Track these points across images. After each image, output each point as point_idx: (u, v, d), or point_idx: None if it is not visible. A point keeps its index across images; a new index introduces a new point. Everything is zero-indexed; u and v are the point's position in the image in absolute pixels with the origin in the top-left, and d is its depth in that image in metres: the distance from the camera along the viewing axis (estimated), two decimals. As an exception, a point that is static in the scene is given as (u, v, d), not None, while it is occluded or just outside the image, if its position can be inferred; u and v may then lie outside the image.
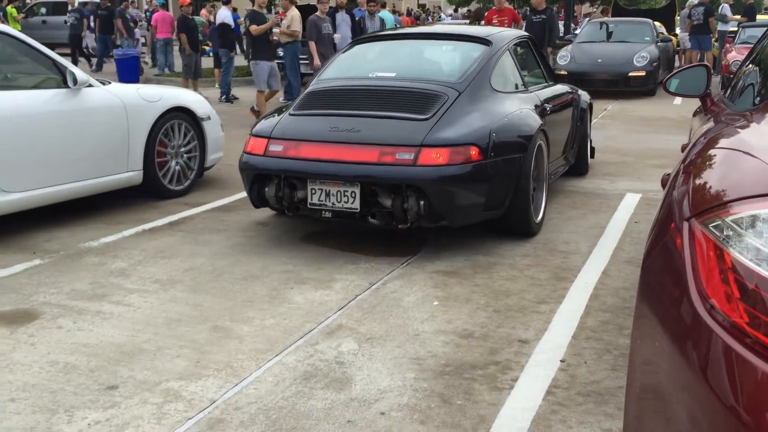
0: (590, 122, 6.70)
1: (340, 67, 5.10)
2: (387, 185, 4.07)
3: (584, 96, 6.52)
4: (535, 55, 5.84)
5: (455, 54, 5.20)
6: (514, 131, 4.44)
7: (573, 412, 2.59)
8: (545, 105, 5.09)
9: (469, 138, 4.12)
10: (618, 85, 12.71)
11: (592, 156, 6.84)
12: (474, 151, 4.08)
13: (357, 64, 5.20)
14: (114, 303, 3.51)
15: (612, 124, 9.77)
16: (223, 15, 12.14)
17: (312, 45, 10.41)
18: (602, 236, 4.71)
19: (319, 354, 3.01)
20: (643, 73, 12.65)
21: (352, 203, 4.09)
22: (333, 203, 4.12)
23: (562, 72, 12.82)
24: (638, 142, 8.42)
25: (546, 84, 5.72)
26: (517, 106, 4.64)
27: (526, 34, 5.96)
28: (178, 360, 2.94)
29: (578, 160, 6.36)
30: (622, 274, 4.01)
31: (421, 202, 4.02)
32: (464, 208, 4.16)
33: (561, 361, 2.98)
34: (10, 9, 18.05)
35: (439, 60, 5.26)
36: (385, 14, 14.48)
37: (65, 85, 4.86)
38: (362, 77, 4.80)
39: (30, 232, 4.68)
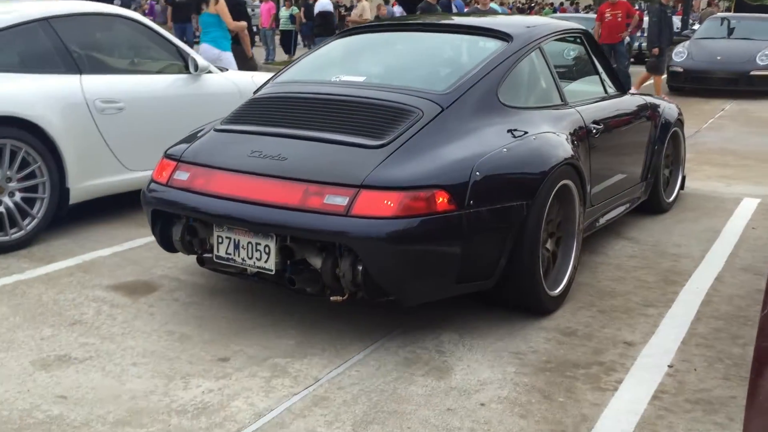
0: (684, 142, 5.36)
1: (305, 67, 3.96)
2: (311, 241, 2.90)
3: (669, 110, 5.08)
4: (592, 56, 4.44)
5: (459, 52, 3.95)
6: (515, 167, 3.14)
7: (680, 418, 2.51)
8: (592, 126, 3.82)
9: (435, 177, 2.83)
10: (738, 84, 12.08)
11: (682, 187, 5.41)
12: (441, 198, 2.79)
13: (327, 63, 4.07)
14: (225, 279, 3.67)
15: (730, 125, 9.31)
16: (323, 3, 12.33)
17: None
18: (716, 241, 4.51)
19: (419, 342, 3.04)
20: (767, 73, 11.97)
21: (266, 261, 2.92)
22: (243, 259, 2.98)
23: (678, 69, 12.33)
24: (759, 145, 7.99)
25: (604, 96, 4.36)
26: (534, 129, 3.35)
27: (579, 27, 4.44)
28: (285, 338, 3.05)
29: (651, 195, 4.89)
30: (736, 281, 3.83)
31: (359, 267, 2.80)
32: (422, 280, 2.87)
33: (669, 366, 2.89)
34: None
35: (434, 61, 3.91)
36: (494, 6, 14.35)
37: (187, 71, 5.09)
38: (321, 81, 3.64)
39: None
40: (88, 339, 3.00)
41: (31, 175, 4.14)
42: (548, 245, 3.35)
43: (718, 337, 3.15)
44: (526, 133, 3.29)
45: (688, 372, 2.85)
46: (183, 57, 5.13)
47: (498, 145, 3.12)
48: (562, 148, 3.36)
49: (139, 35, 5.12)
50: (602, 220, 4.12)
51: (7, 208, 4.06)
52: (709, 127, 9.14)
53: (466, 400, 2.60)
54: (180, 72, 5.11)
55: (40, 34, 4.42)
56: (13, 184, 4.09)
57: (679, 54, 12.61)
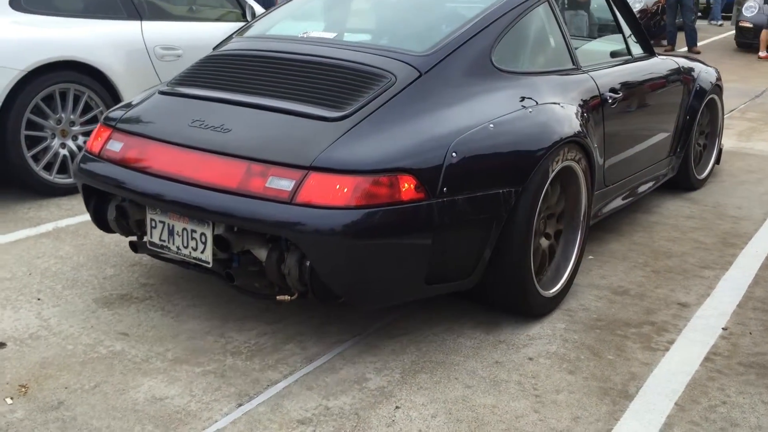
0: (722, 111, 4.80)
1: (275, 19, 3.43)
2: (252, 231, 2.43)
3: (706, 75, 4.47)
4: (615, 11, 3.84)
5: (450, 4, 3.33)
6: (502, 146, 2.61)
7: (732, 381, 2.48)
8: (608, 95, 3.31)
9: (400, 158, 2.33)
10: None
11: (718, 161, 4.91)
12: (407, 184, 2.30)
13: (300, 15, 3.55)
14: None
15: (800, 85, 8.92)
16: None
17: None
18: (779, 204, 4.38)
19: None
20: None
21: (202, 252, 2.49)
22: (178, 247, 2.56)
23: (747, 25, 11.80)
24: (830, 105, 7.65)
25: (627, 59, 3.80)
26: (534, 99, 2.83)
27: None
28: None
29: (680, 172, 4.36)
30: (799, 245, 3.73)
31: (307, 263, 2.35)
32: (380, 283, 2.41)
33: (723, 328, 2.85)
34: None
35: (419, 15, 3.31)
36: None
37: (244, 18, 5.10)
38: (287, 38, 3.07)
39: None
40: (148, 280, 3.10)
41: (94, 120, 4.24)
42: (545, 238, 2.91)
43: (776, 302, 3.09)
44: (522, 104, 2.77)
45: (742, 335, 2.80)
46: (241, 5, 5.14)
47: (484, 120, 2.58)
48: (567, 122, 2.84)
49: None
50: (613, 204, 3.56)
51: (71, 151, 4.18)
52: (778, 86, 8.78)
53: (514, 353, 2.61)
54: (238, 20, 5.12)
55: (102, -21, 4.48)
56: (76, 128, 4.20)
57: (750, 9, 12.05)
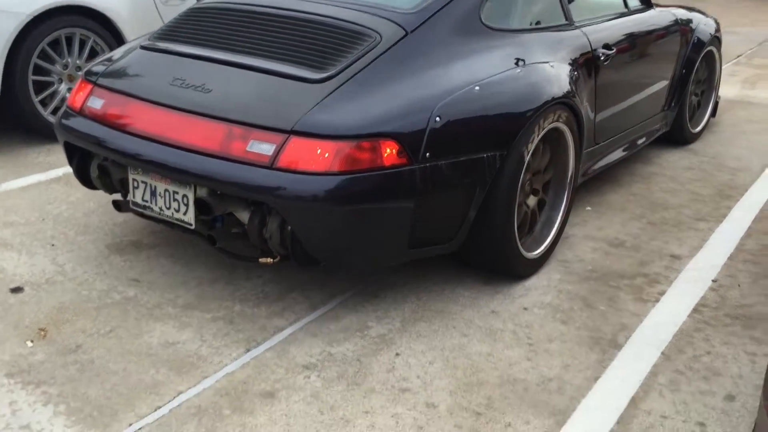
0: (720, 63, 4.76)
1: None
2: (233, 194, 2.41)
3: (705, 26, 4.41)
4: None
5: None
6: (487, 109, 2.56)
7: (718, 332, 2.60)
8: (601, 52, 3.25)
9: (382, 123, 2.30)
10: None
11: (714, 114, 4.85)
12: (389, 149, 2.29)
13: None
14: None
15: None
16: None
17: None
18: (778, 155, 4.44)
19: (469, 245, 3.15)
20: None
21: (184, 213, 2.49)
22: (161, 208, 2.55)
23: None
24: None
25: (622, 12, 3.75)
26: (523, 58, 2.78)
27: None
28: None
29: (674, 126, 4.33)
30: (793, 198, 3.81)
31: (288, 228, 2.36)
32: (361, 249, 2.43)
33: (713, 280, 2.95)
34: None
35: None
36: None
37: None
38: None
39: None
40: (158, 227, 3.20)
41: (100, 65, 4.27)
42: (530, 200, 2.90)
43: (766, 254, 3.18)
44: (510, 64, 2.72)
45: (731, 287, 2.91)
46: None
47: (470, 81, 2.54)
48: (556, 83, 2.79)
49: None
50: (603, 162, 3.55)
51: (78, 97, 4.23)
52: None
53: (510, 303, 2.73)
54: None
55: None
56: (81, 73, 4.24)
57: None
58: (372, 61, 2.46)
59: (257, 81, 2.45)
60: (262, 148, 2.28)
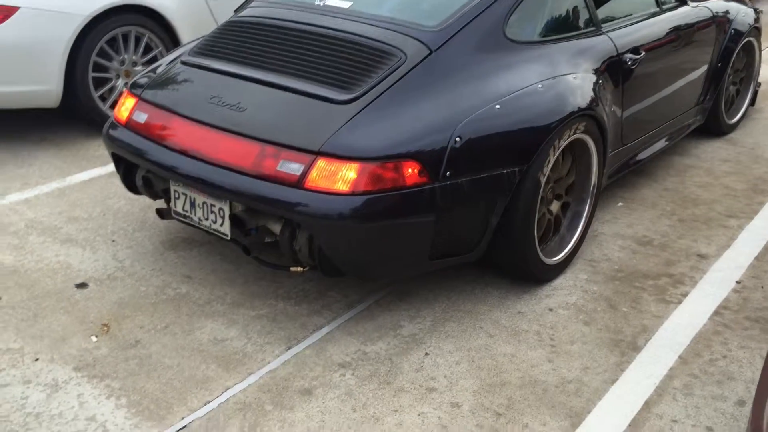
0: (759, 53, 4.69)
1: None
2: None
3: (743, 17, 4.36)
4: None
5: None
6: (508, 127, 2.64)
7: (736, 335, 2.71)
8: (628, 57, 3.26)
9: (404, 144, 2.42)
10: None
11: (753, 103, 4.82)
12: (411, 169, 2.41)
13: None
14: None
15: None
16: None
17: None
18: (819, 146, 4.43)
19: (501, 242, 3.30)
20: None
21: (221, 225, 2.66)
22: (199, 218, 2.73)
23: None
24: None
25: (654, 12, 3.69)
26: (547, 72, 2.83)
27: None
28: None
29: (709, 116, 4.33)
30: (829, 193, 3.83)
31: (316, 242, 2.52)
32: (383, 263, 2.58)
33: (737, 282, 3.04)
34: None
35: None
36: None
37: None
38: (304, 5, 3.04)
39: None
40: (208, 223, 3.43)
41: (155, 60, 4.50)
42: (553, 206, 3.00)
43: (794, 255, 3.25)
44: (532, 79, 2.77)
45: (755, 289, 2.99)
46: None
47: (490, 99, 2.62)
48: (580, 94, 2.84)
49: None
50: (638, 158, 3.61)
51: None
52: None
53: (536, 304, 2.88)
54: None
55: None
56: (138, 68, 4.47)
57: None
58: (396, 82, 2.57)
59: (287, 101, 2.60)
60: (292, 167, 2.42)
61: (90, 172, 3.98)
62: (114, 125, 2.98)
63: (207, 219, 2.71)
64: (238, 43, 2.97)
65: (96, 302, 2.84)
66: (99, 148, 4.29)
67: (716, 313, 2.84)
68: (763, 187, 3.89)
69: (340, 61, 2.68)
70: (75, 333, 2.65)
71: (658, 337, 2.70)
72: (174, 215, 2.86)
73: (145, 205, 3.60)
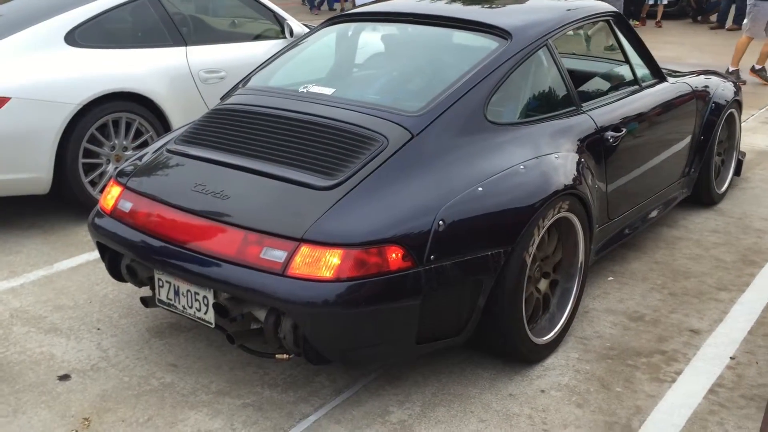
0: (739, 123, 4.81)
1: (278, 69, 3.52)
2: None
3: (723, 92, 4.46)
4: (621, 43, 3.77)
5: (446, 55, 3.38)
6: (491, 208, 2.65)
7: (732, 415, 2.65)
8: (609, 135, 3.27)
9: (387, 230, 2.41)
10: None
11: (738, 173, 4.94)
12: (395, 254, 2.40)
13: (301, 64, 3.57)
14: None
15: None
16: None
17: None
18: (807, 215, 4.44)
19: (491, 322, 3.26)
20: None
21: (205, 313, 2.62)
22: (183, 306, 2.70)
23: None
24: None
25: (633, 90, 3.73)
26: (528, 153, 2.85)
27: (607, 9, 3.70)
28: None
29: (698, 187, 4.37)
30: (820, 263, 3.82)
31: (300, 330, 2.47)
32: (369, 349, 2.55)
33: (731, 358, 3.00)
34: None
35: (415, 66, 3.39)
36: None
37: (283, 35, 5.32)
38: (288, 93, 3.11)
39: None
40: (195, 308, 3.39)
41: (145, 145, 4.55)
42: (541, 284, 2.97)
43: (787, 328, 3.21)
44: (514, 161, 2.79)
45: (749, 365, 2.95)
46: (279, 22, 5.36)
47: (473, 182, 2.64)
48: (562, 174, 2.86)
49: (237, 0, 5.39)
50: (620, 237, 3.60)
51: (124, 175, 4.50)
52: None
53: (527, 386, 2.82)
54: (277, 36, 5.35)
55: (149, 9, 4.75)
56: (129, 153, 4.52)
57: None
58: (378, 167, 2.59)
59: (270, 188, 2.61)
60: (275, 255, 2.41)
61: (77, 258, 3.96)
62: (99, 214, 2.99)
63: (191, 307, 2.69)
64: (223, 130, 3.01)
65: (78, 395, 2.78)
66: (87, 234, 4.27)
67: (711, 391, 2.79)
68: (752, 258, 3.88)
69: (323, 148, 2.70)
70: (54, 429, 2.58)
71: (653, 419, 2.63)
72: (158, 303, 2.83)
73: (132, 291, 3.57)
